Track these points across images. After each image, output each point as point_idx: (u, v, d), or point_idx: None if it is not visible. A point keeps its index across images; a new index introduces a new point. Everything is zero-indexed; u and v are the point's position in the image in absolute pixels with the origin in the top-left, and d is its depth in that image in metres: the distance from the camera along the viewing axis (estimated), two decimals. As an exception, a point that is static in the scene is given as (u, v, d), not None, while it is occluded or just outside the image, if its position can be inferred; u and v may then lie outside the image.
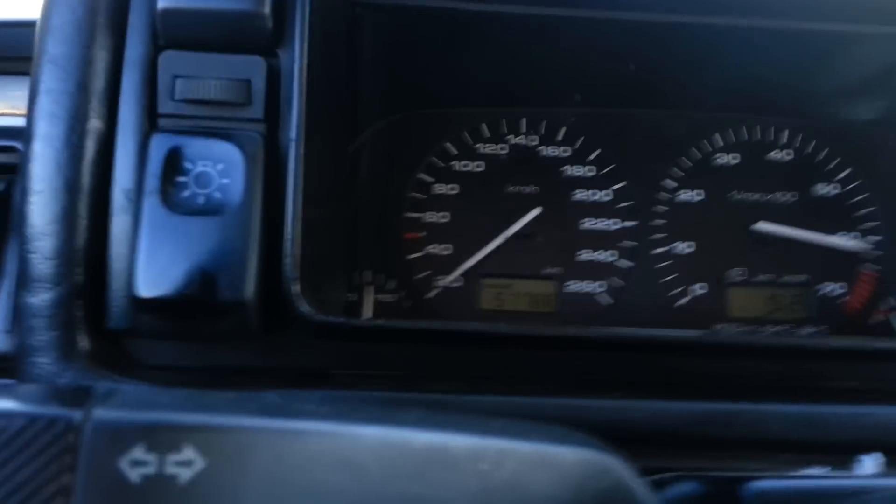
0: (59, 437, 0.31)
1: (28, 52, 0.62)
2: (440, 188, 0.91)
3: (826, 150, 0.90)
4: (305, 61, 0.59)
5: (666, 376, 0.65)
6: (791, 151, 0.91)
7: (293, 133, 0.59)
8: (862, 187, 0.89)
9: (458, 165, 0.91)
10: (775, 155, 0.91)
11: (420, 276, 0.88)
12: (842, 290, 0.87)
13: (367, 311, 0.85)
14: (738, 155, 0.91)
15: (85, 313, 0.59)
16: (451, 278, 0.88)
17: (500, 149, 0.92)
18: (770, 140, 0.91)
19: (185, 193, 0.57)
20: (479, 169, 0.91)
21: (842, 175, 0.90)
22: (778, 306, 0.86)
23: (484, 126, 0.92)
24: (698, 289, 0.87)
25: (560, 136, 0.92)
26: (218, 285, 0.56)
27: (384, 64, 0.85)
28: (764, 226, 0.87)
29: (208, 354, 0.63)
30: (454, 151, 0.91)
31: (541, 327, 0.63)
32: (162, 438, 0.32)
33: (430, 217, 0.90)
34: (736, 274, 0.87)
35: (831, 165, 0.90)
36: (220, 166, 0.57)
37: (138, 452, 0.31)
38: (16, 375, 0.71)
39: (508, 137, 0.92)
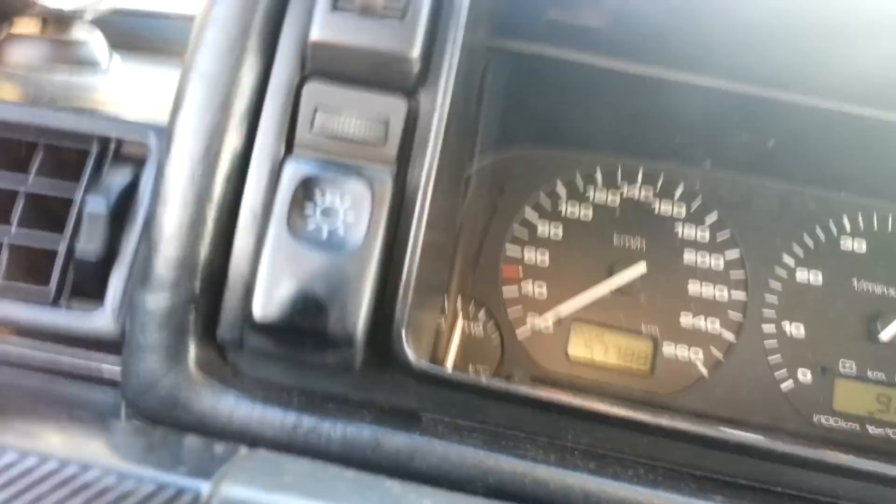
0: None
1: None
2: (544, 228, 0.89)
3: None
4: (447, 109, 0.59)
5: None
6: (924, 248, 0.85)
7: (422, 179, 0.58)
8: None
9: (566, 208, 0.89)
10: (906, 248, 0.85)
11: (512, 311, 0.87)
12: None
13: (454, 341, 0.85)
14: (864, 241, 0.86)
15: (196, 321, 0.61)
16: (543, 320, 0.86)
17: (611, 197, 0.89)
18: (903, 232, 0.86)
19: (311, 226, 0.57)
20: (587, 215, 0.89)
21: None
22: (886, 407, 0.81)
23: (598, 171, 0.90)
24: (801, 375, 0.83)
25: (677, 194, 0.88)
26: (330, 319, 0.56)
27: (505, 100, 0.83)
28: (885, 323, 0.82)
29: (307, 376, 0.64)
30: (564, 193, 0.89)
31: (621, 408, 0.59)
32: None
33: (530, 256, 0.88)
34: (845, 366, 0.83)
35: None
36: (348, 203, 0.57)
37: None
38: (118, 352, 0.74)
39: (622, 187, 0.89)
